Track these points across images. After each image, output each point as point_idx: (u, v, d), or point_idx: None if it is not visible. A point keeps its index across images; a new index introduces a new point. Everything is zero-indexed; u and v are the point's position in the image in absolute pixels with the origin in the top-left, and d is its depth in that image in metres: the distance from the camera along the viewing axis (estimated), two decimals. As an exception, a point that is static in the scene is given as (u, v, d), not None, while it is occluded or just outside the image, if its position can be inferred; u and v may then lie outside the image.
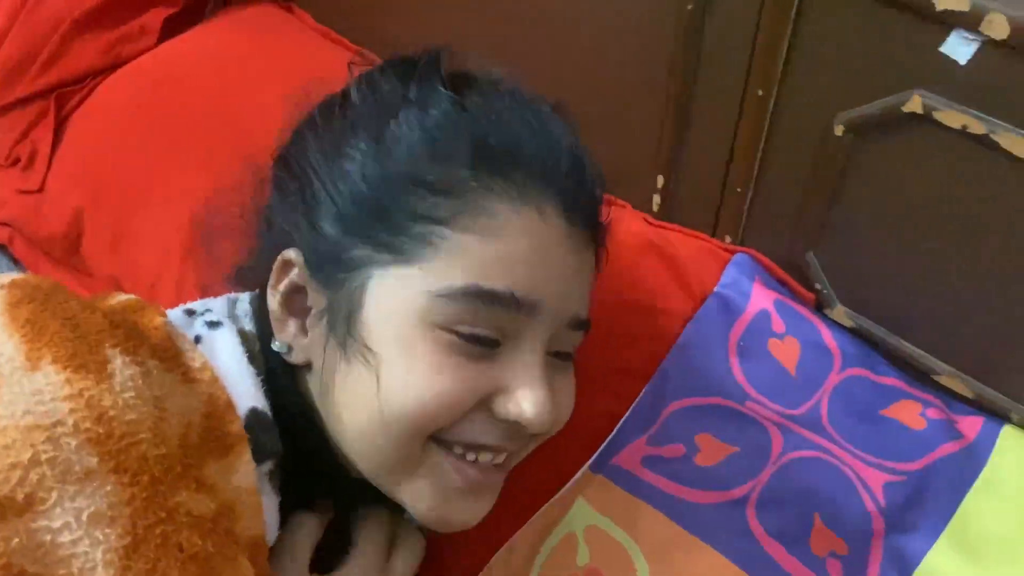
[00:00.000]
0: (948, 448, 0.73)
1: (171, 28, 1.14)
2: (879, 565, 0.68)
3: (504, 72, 0.61)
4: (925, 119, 0.66)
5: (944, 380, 0.78)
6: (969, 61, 0.62)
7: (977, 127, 0.64)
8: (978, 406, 0.77)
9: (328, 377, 0.56)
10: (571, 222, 0.56)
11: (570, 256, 0.56)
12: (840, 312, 0.82)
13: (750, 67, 0.74)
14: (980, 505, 0.70)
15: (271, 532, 0.55)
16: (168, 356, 0.50)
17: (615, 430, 0.77)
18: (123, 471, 0.43)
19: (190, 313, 0.59)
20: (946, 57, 0.63)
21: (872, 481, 0.72)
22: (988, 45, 0.61)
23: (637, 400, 0.79)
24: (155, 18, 1.13)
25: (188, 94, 1.06)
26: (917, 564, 0.67)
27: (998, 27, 0.59)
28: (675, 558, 0.69)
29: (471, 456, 0.56)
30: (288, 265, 0.57)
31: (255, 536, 0.52)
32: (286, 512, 0.57)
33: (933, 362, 0.78)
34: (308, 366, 0.58)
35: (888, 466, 0.73)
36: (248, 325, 0.59)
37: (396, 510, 0.65)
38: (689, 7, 0.75)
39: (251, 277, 0.63)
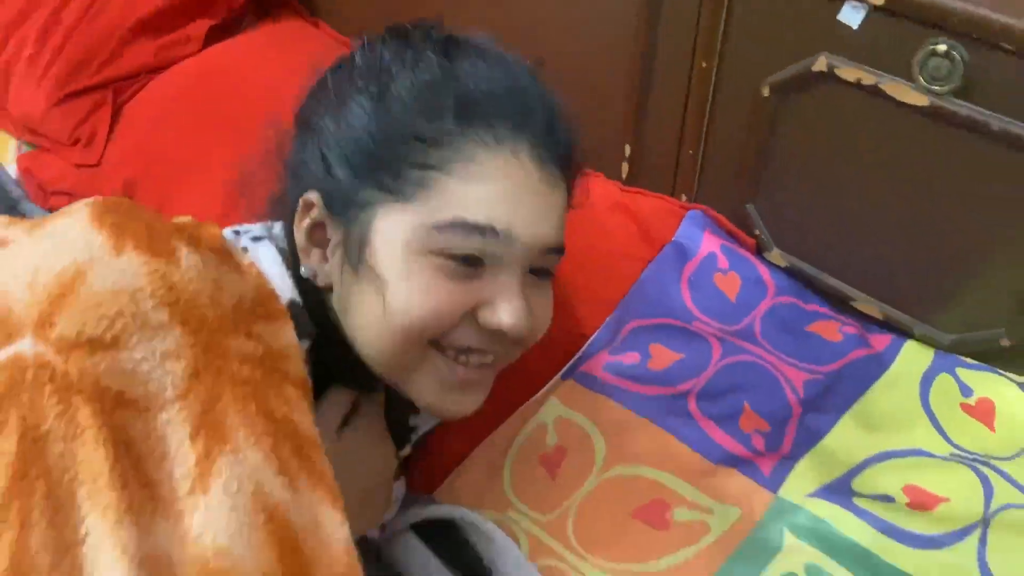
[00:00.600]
0: (859, 354, 0.88)
1: (213, 37, 1.32)
2: (793, 437, 0.81)
3: (488, 38, 0.75)
4: (829, 76, 0.82)
5: (860, 305, 0.93)
6: (860, 25, 0.79)
7: (868, 79, 0.80)
8: (887, 326, 0.92)
9: (345, 297, 0.68)
10: (543, 163, 0.66)
11: (542, 193, 0.66)
12: (776, 255, 0.97)
13: (695, 44, 0.91)
14: (879, 395, 0.84)
15: None
16: (222, 253, 0.62)
17: (584, 346, 0.92)
18: (187, 323, 0.54)
19: (236, 232, 0.73)
20: (842, 24, 0.80)
21: (794, 378, 0.86)
22: (872, 11, 0.78)
23: (603, 324, 0.93)
24: (199, 28, 1.31)
25: (225, 89, 1.24)
26: (824, 435, 0.81)
27: (877, -5, 0.76)
28: (626, 435, 0.82)
29: (463, 358, 0.68)
30: (309, 205, 0.68)
31: (302, 378, 0.61)
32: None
33: (851, 291, 0.93)
34: (330, 289, 0.70)
35: (808, 367, 0.87)
36: (282, 244, 0.72)
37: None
38: (645, -4, 0.92)
39: (282, 213, 0.77)
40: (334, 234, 0.68)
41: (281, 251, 0.70)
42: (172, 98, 1.25)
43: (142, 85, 1.26)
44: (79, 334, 0.51)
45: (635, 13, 0.94)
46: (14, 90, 1.24)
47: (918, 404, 0.83)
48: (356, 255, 0.66)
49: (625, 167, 1.06)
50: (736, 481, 0.78)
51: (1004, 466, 0.78)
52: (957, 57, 0.74)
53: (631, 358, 0.89)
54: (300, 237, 0.69)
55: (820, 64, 0.82)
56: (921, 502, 0.75)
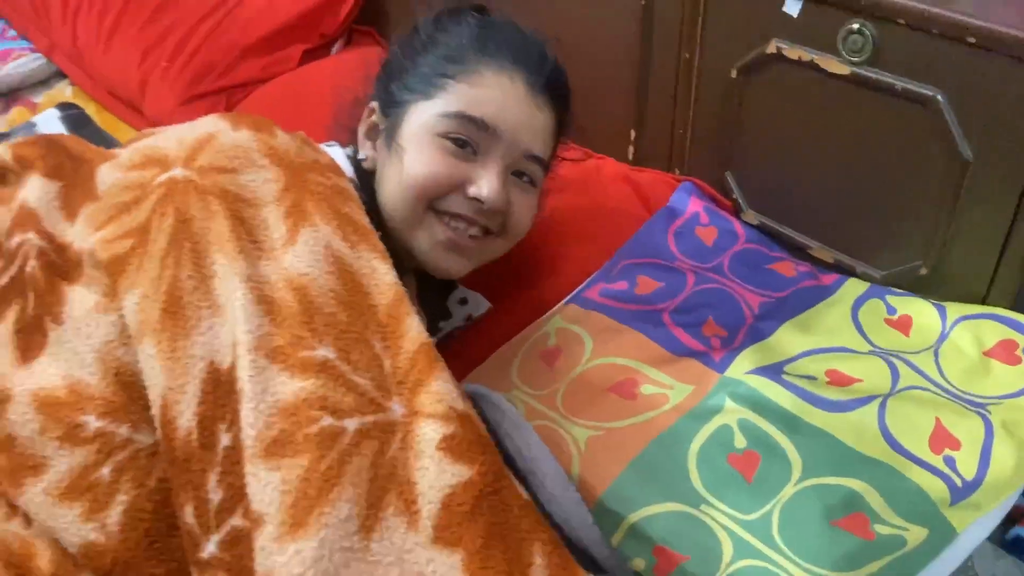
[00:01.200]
0: (807, 284, 1.07)
1: (306, 58, 1.61)
2: (743, 338, 1.00)
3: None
4: (779, 57, 1.04)
5: (815, 252, 1.12)
6: (799, 14, 1.01)
7: (805, 56, 1.01)
8: (837, 268, 1.10)
9: (381, 171, 0.94)
10: (533, 90, 0.91)
11: (528, 109, 0.91)
12: (750, 215, 1.18)
13: (680, 40, 1.14)
14: (820, 312, 1.03)
15: None
16: (306, 140, 0.89)
17: (586, 281, 1.13)
18: (280, 164, 0.81)
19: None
20: (786, 14, 1.02)
21: (751, 300, 1.06)
22: (806, 2, 0.99)
23: (603, 266, 1.15)
24: (296, 51, 1.61)
25: (312, 98, 1.52)
26: (767, 336, 1.00)
27: (808, -12, 0.98)
28: (609, 337, 1.02)
29: (453, 224, 0.91)
30: (371, 111, 0.98)
31: (358, 201, 0.84)
32: None
33: (808, 240, 1.13)
34: (374, 173, 0.96)
35: (764, 293, 1.07)
36: (348, 152, 0.99)
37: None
38: (642, 2, 1.15)
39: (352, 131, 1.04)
40: (382, 124, 0.95)
41: (346, 154, 0.97)
42: (272, 103, 1.53)
43: (248, 92, 1.56)
44: (210, 164, 0.78)
45: (634, 23, 1.18)
46: (150, 94, 1.55)
47: (848, 318, 1.02)
48: (390, 137, 0.92)
49: (631, 150, 1.28)
50: (693, 366, 0.97)
51: (912, 358, 0.95)
52: (868, 33, 0.95)
53: (621, 286, 1.10)
54: (361, 132, 0.97)
55: (771, 47, 1.04)
56: (838, 380, 0.93)
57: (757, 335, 1.00)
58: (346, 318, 0.74)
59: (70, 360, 0.72)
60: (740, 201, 1.18)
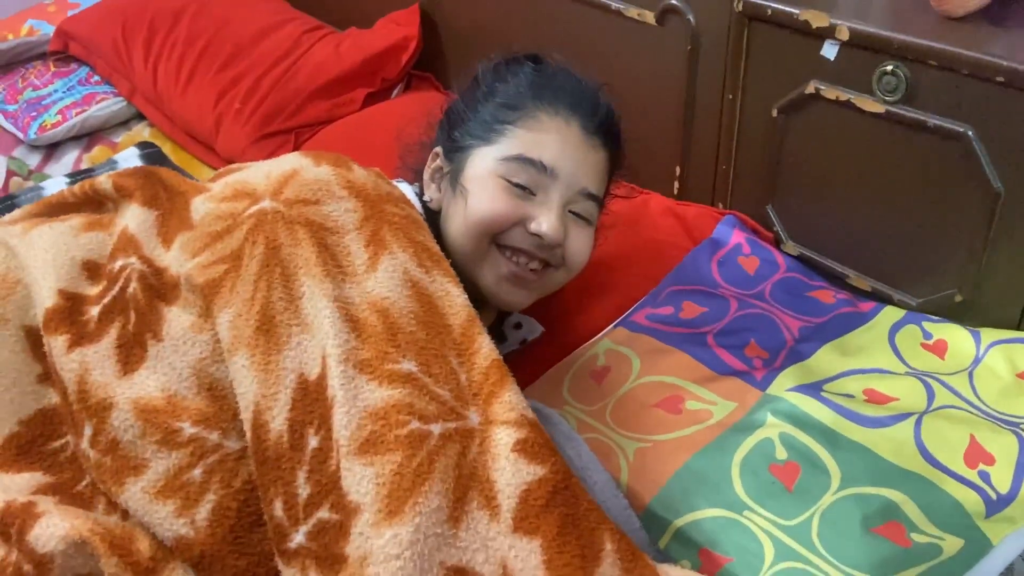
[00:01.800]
0: (846, 310, 1.12)
1: (369, 101, 1.72)
2: (784, 359, 1.06)
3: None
4: (818, 97, 1.11)
5: (853, 281, 1.17)
6: (835, 57, 1.08)
7: (842, 96, 1.08)
8: (874, 296, 1.15)
9: (446, 211, 1.02)
10: (587, 132, 0.99)
11: (583, 151, 0.98)
12: (790, 246, 1.24)
13: (724, 82, 1.22)
14: (858, 336, 1.08)
15: None
16: (380, 176, 0.98)
17: (633, 307, 1.20)
18: (358, 196, 0.89)
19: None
20: (823, 57, 1.09)
21: (792, 324, 1.11)
22: (843, 46, 1.06)
23: (650, 292, 1.21)
24: (360, 94, 1.72)
25: (373, 138, 1.62)
26: (807, 357, 1.05)
27: (843, 33, 1.05)
28: (657, 357, 1.08)
29: (515, 259, 0.98)
30: (435, 155, 1.06)
31: (429, 230, 0.92)
32: None
33: (847, 270, 1.18)
34: (439, 212, 1.04)
35: (804, 318, 1.12)
36: (416, 189, 1.07)
37: None
38: (688, 47, 1.23)
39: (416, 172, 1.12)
40: (446, 167, 1.02)
41: (413, 191, 1.05)
42: (337, 143, 1.63)
43: (315, 132, 1.66)
44: (296, 196, 0.87)
45: (680, 67, 1.26)
46: (223, 133, 1.66)
47: (885, 342, 1.07)
48: (455, 179, 1.00)
49: (676, 185, 1.35)
50: (736, 384, 1.03)
51: (947, 379, 1.00)
52: (901, 74, 1.01)
53: (667, 310, 1.16)
54: (427, 176, 1.04)
55: (810, 88, 1.11)
56: (875, 399, 0.98)
57: (797, 356, 1.06)
58: (425, 336, 0.81)
59: (168, 374, 0.81)
60: (781, 233, 1.24)
